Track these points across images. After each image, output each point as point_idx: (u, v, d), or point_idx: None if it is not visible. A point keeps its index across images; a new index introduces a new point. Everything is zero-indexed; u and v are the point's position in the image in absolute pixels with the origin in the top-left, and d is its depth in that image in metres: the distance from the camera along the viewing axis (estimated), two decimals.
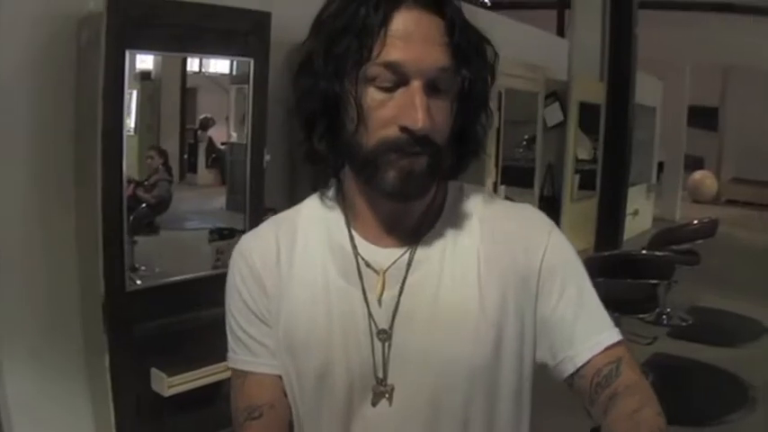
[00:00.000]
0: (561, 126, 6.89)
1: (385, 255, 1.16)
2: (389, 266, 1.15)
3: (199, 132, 3.66)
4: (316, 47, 1.09)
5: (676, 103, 11.57)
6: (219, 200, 3.65)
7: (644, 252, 6.23)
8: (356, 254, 1.16)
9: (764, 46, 10.26)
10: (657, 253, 5.97)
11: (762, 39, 10.11)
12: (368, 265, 1.16)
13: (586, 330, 1.16)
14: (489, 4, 8.88)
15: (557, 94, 6.98)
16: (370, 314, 1.14)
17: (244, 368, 1.21)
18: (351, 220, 1.19)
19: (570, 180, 7.03)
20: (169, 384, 3.17)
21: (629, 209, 8.63)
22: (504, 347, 1.14)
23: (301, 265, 1.18)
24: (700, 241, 7.00)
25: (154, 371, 3.19)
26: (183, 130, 3.54)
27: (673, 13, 10.56)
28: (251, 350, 1.20)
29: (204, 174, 3.75)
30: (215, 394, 3.27)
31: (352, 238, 1.18)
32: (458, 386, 1.12)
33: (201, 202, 3.70)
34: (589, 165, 7.76)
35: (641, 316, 5.85)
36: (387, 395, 1.13)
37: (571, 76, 6.94)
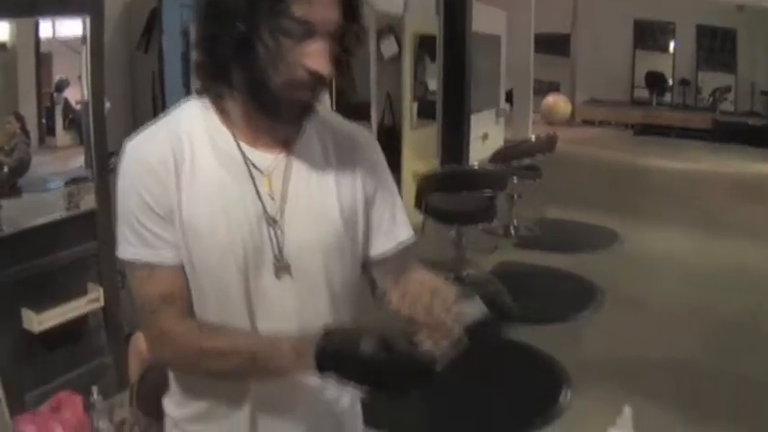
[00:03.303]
0: (398, 58, 7.40)
1: (267, 158, 1.47)
2: (272, 167, 1.47)
3: (55, 95, 3.78)
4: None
5: (522, 31, 12.11)
6: (78, 159, 3.82)
7: (476, 166, 6.74)
8: (245, 159, 1.45)
9: None
10: (490, 166, 6.49)
11: None
12: (255, 166, 1.45)
13: (394, 232, 1.62)
14: None
15: (392, 28, 7.54)
16: (264, 207, 1.45)
17: (149, 260, 1.43)
18: (236, 132, 1.46)
19: (409, 109, 7.57)
20: (38, 321, 3.49)
21: (478, 133, 9.23)
22: (355, 233, 1.56)
23: (194, 170, 1.42)
24: (541, 156, 7.62)
25: (24, 310, 3.50)
26: (40, 94, 3.69)
27: None
28: (154, 245, 1.42)
29: (62, 135, 3.85)
30: (82, 329, 3.68)
31: (238, 146, 1.45)
32: (323, 261, 1.50)
33: (61, 163, 3.85)
34: (431, 95, 8.30)
35: (483, 226, 6.41)
36: (284, 269, 1.46)
37: (405, 10, 7.42)
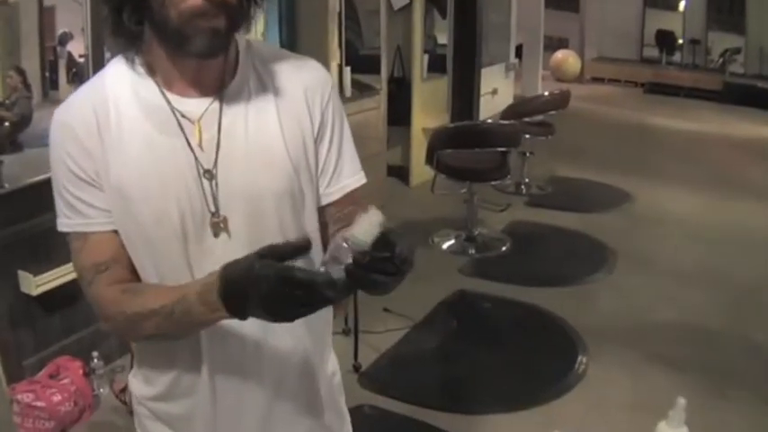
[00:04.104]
0: (409, 8, 7.15)
1: (196, 105, 1.38)
2: (202, 114, 1.37)
3: (58, 49, 3.73)
4: None
5: None
6: None
7: (490, 122, 6.56)
8: (171, 108, 1.36)
9: None
10: (503, 122, 6.31)
11: None
12: (183, 115, 1.36)
13: (341, 174, 1.53)
14: None
15: None
16: (195, 158, 1.36)
17: (81, 230, 1.39)
18: (159, 81, 1.37)
19: (420, 60, 7.34)
20: (36, 283, 3.43)
21: (488, 88, 9.00)
22: (303, 177, 1.45)
23: (120, 128, 1.35)
24: (553, 113, 7.41)
25: (20, 273, 3.44)
26: (43, 48, 3.64)
27: None
28: (84, 214, 1.38)
29: (66, 89, 3.78)
30: (82, 292, 3.52)
31: (164, 95, 1.37)
32: (272, 210, 1.41)
33: None
34: (440, 49, 8.10)
35: (495, 184, 6.26)
36: (223, 225, 1.38)
37: None
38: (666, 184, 7.71)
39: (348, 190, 1.54)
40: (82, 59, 3.75)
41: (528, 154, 7.37)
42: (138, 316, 1.32)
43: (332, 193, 1.53)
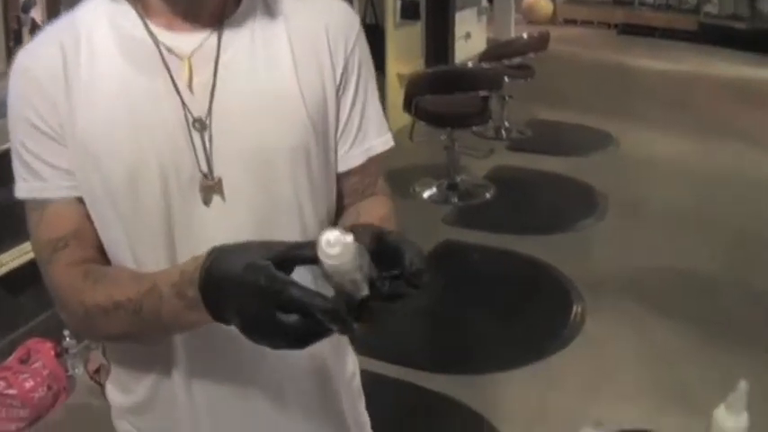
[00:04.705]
0: None
1: (187, 39, 1.11)
2: (194, 50, 1.11)
3: (22, 16, 3.50)
4: None
5: None
6: None
7: (471, 65, 6.30)
8: (155, 42, 1.10)
9: None
10: (485, 65, 6.04)
11: None
12: (170, 51, 1.10)
13: (366, 135, 1.25)
14: None
15: None
16: (183, 103, 1.09)
17: (38, 196, 1.13)
18: (142, 11, 1.11)
19: (392, 6, 7.02)
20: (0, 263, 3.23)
21: (461, 32, 8.71)
22: (319, 129, 1.17)
23: (92, 69, 1.10)
24: (532, 55, 7.14)
25: None
26: (7, 16, 3.41)
27: None
28: (42, 176, 1.12)
29: None
30: None
31: (146, 26, 1.11)
32: (284, 172, 1.14)
33: None
34: None
35: (475, 129, 6.00)
36: (217, 189, 1.11)
37: None
38: (650, 126, 7.44)
39: (373, 153, 1.26)
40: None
41: (507, 98, 7.10)
42: (98, 309, 1.05)
43: (354, 157, 1.25)
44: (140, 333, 1.08)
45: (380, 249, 0.91)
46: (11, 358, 3.27)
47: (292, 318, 0.85)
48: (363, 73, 1.24)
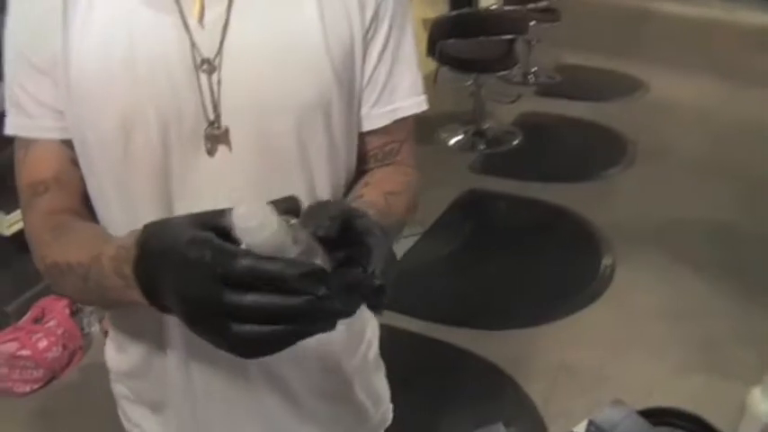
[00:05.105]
0: None
1: None
2: None
3: None
4: None
5: None
6: None
7: (495, 7, 6.09)
8: None
9: None
10: (509, 8, 5.84)
11: None
12: None
13: (394, 92, 1.11)
14: None
15: None
16: (191, 40, 0.96)
17: (21, 134, 1.04)
18: None
19: None
20: (8, 222, 3.13)
21: None
22: (344, 82, 1.04)
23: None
24: None
25: None
26: None
27: None
28: (28, 111, 1.02)
29: None
30: None
31: None
32: (299, 126, 1.01)
33: None
34: None
35: (501, 74, 5.82)
36: (223, 140, 0.99)
37: None
38: (678, 71, 7.20)
39: (401, 115, 1.11)
40: None
41: (534, 42, 6.85)
42: (55, 267, 0.96)
43: (377, 117, 1.10)
44: (97, 302, 0.98)
45: (345, 236, 0.73)
46: (25, 318, 3.22)
47: (248, 298, 0.65)
48: (397, 19, 1.08)
